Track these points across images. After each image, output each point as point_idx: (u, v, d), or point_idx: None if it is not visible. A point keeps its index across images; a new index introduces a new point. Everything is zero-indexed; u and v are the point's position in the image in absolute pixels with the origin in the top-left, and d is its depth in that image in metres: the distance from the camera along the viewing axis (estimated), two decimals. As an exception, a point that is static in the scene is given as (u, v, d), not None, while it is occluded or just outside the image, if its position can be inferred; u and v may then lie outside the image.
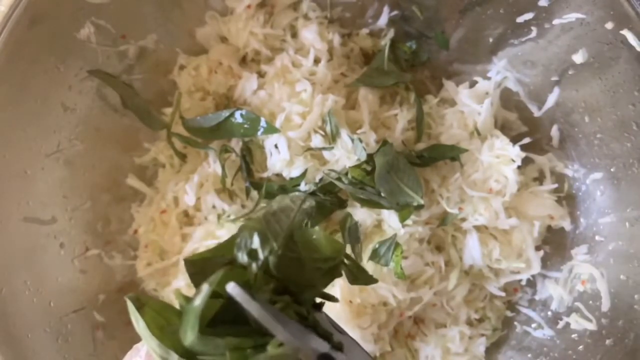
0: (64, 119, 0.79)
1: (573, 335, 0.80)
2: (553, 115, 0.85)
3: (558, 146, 0.86)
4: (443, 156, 0.83)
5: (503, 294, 0.86)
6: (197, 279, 0.49)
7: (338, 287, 0.76)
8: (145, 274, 0.84)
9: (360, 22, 0.92)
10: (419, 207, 0.78)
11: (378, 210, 0.79)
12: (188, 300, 0.43)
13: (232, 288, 0.43)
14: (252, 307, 0.43)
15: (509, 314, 0.88)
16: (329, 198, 0.80)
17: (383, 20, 0.91)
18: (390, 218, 0.79)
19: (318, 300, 0.56)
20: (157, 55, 0.87)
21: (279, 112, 0.80)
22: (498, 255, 0.82)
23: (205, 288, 0.42)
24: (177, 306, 0.45)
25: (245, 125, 0.81)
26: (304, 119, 0.79)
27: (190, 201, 0.82)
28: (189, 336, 0.40)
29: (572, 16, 0.75)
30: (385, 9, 0.90)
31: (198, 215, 0.84)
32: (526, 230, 0.83)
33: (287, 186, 0.81)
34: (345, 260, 0.59)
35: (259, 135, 0.80)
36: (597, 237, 0.82)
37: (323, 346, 0.49)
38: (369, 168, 0.78)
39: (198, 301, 0.41)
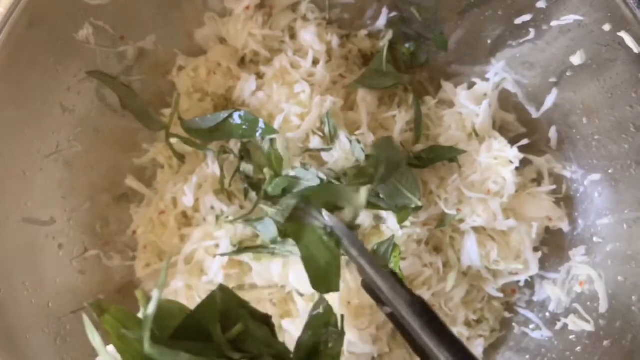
0: (62, 120, 0.79)
1: (571, 337, 0.80)
2: (551, 116, 0.85)
3: (556, 148, 0.86)
4: (441, 157, 0.83)
5: (501, 295, 0.86)
6: None
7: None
8: (144, 274, 0.84)
9: (359, 23, 0.92)
10: (417, 208, 0.78)
11: (376, 211, 0.79)
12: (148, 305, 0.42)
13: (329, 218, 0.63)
14: (342, 231, 0.61)
15: (507, 315, 0.88)
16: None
17: (382, 22, 0.91)
18: (388, 219, 0.79)
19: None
20: (156, 56, 0.87)
21: (277, 113, 0.81)
22: (496, 257, 0.82)
23: (156, 293, 0.41)
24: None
25: (244, 127, 0.81)
26: (303, 120, 0.79)
27: (189, 202, 0.82)
28: (145, 345, 0.39)
29: (570, 18, 0.76)
30: (384, 11, 0.90)
31: (196, 216, 0.83)
32: (524, 231, 0.83)
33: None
34: None
35: (258, 136, 0.80)
36: (595, 239, 0.82)
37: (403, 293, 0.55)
38: (367, 169, 0.78)
39: (150, 309, 0.40)
